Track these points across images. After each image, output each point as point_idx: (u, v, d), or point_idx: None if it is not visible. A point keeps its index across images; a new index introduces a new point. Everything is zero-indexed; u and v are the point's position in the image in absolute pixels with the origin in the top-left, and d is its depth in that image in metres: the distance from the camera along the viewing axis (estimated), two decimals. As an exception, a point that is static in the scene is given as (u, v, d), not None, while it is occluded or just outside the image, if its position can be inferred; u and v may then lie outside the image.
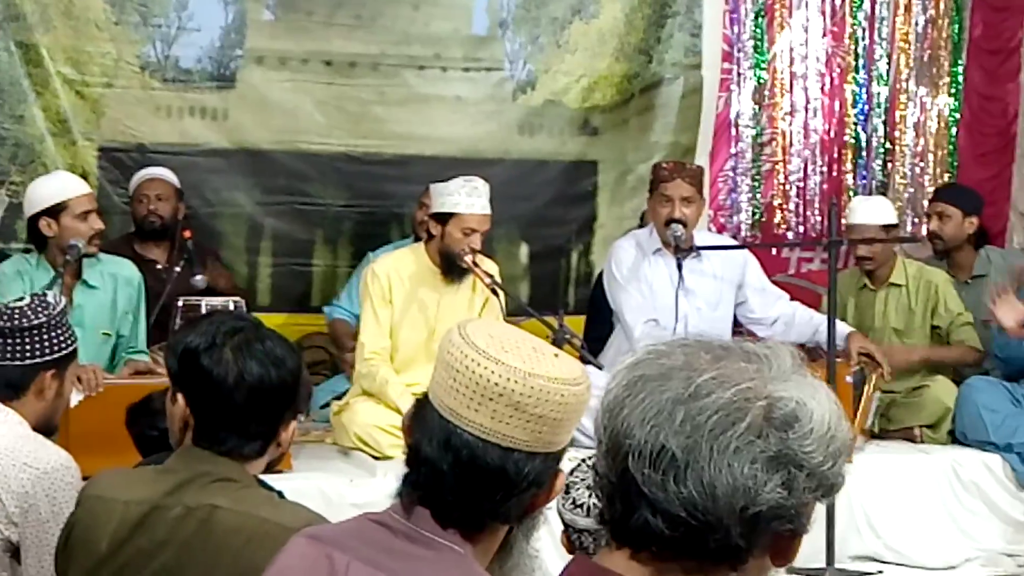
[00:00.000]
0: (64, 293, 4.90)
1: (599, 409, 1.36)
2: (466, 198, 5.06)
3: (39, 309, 3.03)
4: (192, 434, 2.38)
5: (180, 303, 5.19)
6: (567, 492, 2.67)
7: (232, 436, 2.33)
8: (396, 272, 5.17)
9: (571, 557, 2.67)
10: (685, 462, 1.27)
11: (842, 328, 5.29)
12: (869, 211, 5.77)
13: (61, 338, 3.04)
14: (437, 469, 1.78)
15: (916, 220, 7.05)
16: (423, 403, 1.84)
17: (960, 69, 7.09)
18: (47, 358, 3.02)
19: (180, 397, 2.39)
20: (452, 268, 5.11)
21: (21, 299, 3.09)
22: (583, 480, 2.67)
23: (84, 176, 5.61)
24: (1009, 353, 5.57)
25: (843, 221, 5.79)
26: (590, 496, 2.64)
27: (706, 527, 1.28)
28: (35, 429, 3.06)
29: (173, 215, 5.84)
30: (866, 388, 5.35)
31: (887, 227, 5.74)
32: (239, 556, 2.22)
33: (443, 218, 5.08)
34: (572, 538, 2.71)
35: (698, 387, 1.29)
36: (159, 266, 5.69)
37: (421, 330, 5.15)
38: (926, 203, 6.95)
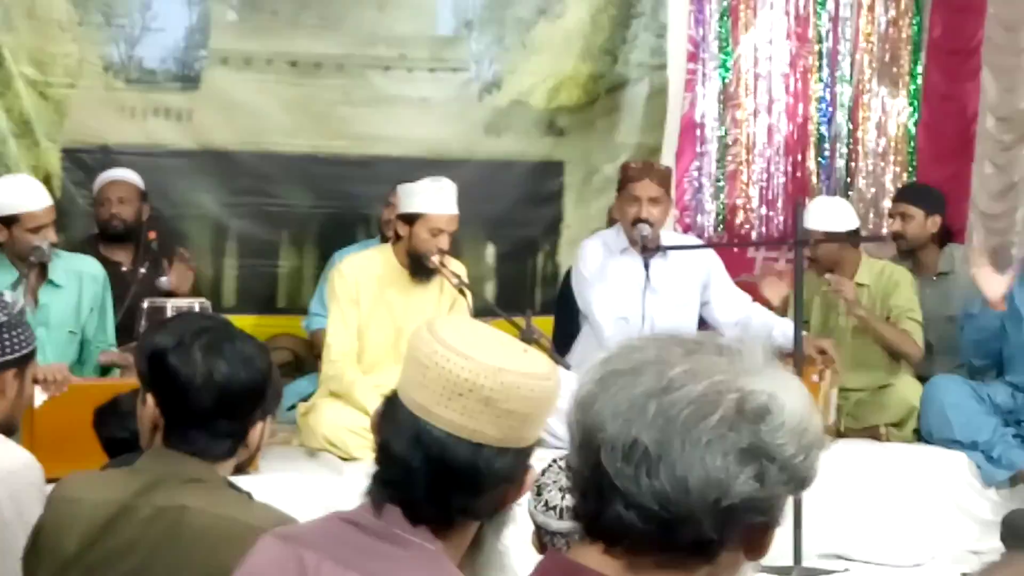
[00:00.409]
0: (29, 293, 4.88)
1: (571, 403, 1.36)
2: (434, 198, 5.05)
3: None
4: (161, 435, 2.37)
5: (145, 305, 5.17)
6: (539, 494, 2.67)
7: (201, 436, 2.32)
8: (363, 272, 5.16)
9: (537, 558, 2.68)
10: (658, 455, 1.27)
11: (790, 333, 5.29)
12: (820, 217, 5.76)
13: (21, 337, 3.01)
14: (408, 466, 1.78)
15: (878, 220, 7.08)
16: (392, 401, 1.84)
17: (920, 69, 7.14)
18: (8, 358, 2.99)
19: (150, 398, 2.37)
20: (420, 269, 5.10)
21: None
22: (555, 482, 2.67)
23: (47, 178, 5.59)
24: (982, 336, 5.60)
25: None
26: (563, 498, 2.63)
27: (679, 520, 1.28)
28: (-6, 428, 3.03)
29: (136, 217, 5.80)
30: (822, 384, 5.38)
31: (840, 233, 5.73)
32: (209, 557, 2.21)
33: (410, 219, 5.07)
34: (544, 539, 2.71)
35: (670, 380, 1.29)
36: (124, 268, 5.65)
37: (388, 331, 5.14)
38: (887, 202, 7.01)
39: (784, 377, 1.33)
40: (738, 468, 1.27)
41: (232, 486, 2.39)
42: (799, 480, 1.31)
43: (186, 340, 2.30)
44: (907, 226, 6.06)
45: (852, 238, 5.84)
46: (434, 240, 5.04)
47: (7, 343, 2.98)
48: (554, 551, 2.63)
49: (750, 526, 1.31)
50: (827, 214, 5.80)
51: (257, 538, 1.92)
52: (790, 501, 1.36)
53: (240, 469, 2.44)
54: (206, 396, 2.29)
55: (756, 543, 1.33)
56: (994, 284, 5.37)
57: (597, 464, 1.30)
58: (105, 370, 5.15)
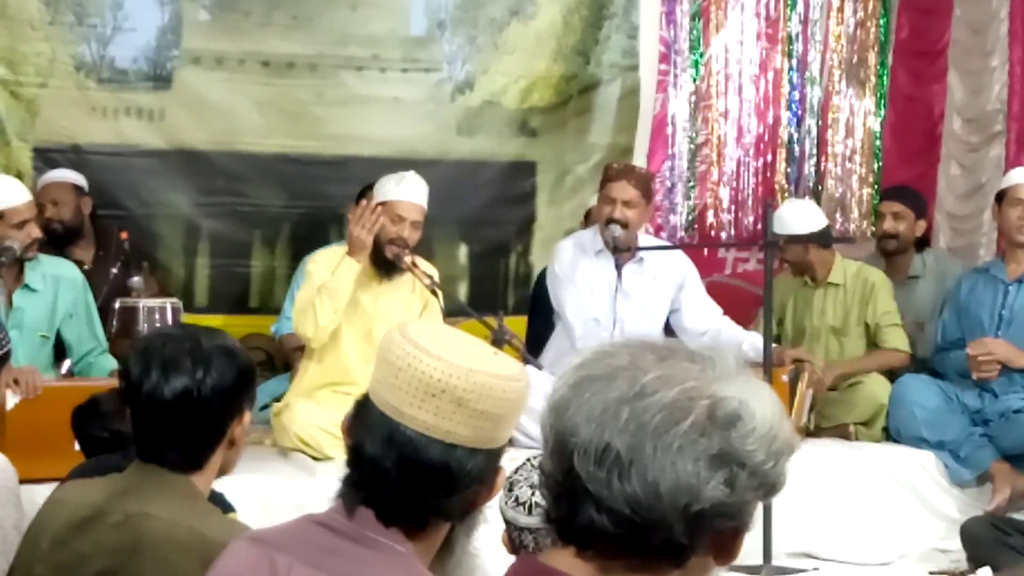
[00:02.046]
0: (4, 295, 4.86)
1: (545, 408, 1.37)
2: (395, 187, 5.08)
3: None
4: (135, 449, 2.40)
5: (117, 304, 5.17)
6: (510, 490, 2.69)
7: (170, 450, 2.34)
8: (335, 264, 5.15)
9: (514, 557, 2.71)
10: (629, 460, 1.29)
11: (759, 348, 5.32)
12: (787, 221, 5.78)
13: None
14: (380, 467, 1.79)
15: (845, 220, 7.13)
16: (364, 403, 1.85)
17: (886, 71, 7.19)
18: None
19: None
20: (382, 261, 5.09)
21: None
22: (526, 479, 2.69)
23: (19, 177, 5.54)
24: (946, 368, 5.68)
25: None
26: (532, 494, 2.65)
27: (650, 525, 1.30)
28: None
29: (76, 215, 5.75)
30: (799, 385, 5.42)
31: (805, 235, 5.75)
32: (164, 564, 2.24)
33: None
34: (513, 536, 2.73)
35: (643, 386, 1.31)
36: (86, 266, 5.60)
37: (357, 329, 5.14)
38: (855, 204, 7.05)
39: (755, 384, 1.35)
40: (709, 474, 1.29)
41: (219, 500, 2.40)
42: (768, 486, 1.34)
43: (147, 358, 2.32)
44: (899, 226, 6.08)
45: (820, 239, 5.85)
46: (395, 227, 5.03)
47: None
48: (526, 555, 2.66)
49: (720, 531, 1.33)
50: (793, 217, 5.81)
51: (211, 550, 1.95)
52: (760, 505, 1.38)
53: (225, 470, 2.45)
54: (168, 414, 2.31)
55: (726, 548, 1.35)
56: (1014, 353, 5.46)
57: (570, 468, 1.32)
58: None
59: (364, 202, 5.09)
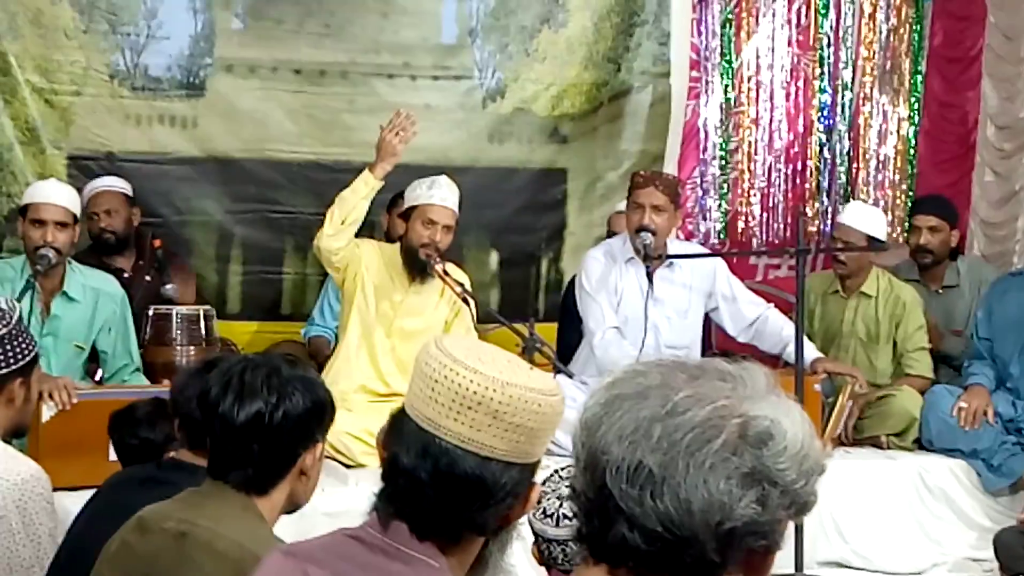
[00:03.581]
0: (42, 300, 4.89)
1: (577, 426, 1.38)
2: (425, 191, 5.13)
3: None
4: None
5: (151, 312, 5.20)
6: (538, 502, 2.69)
7: (237, 470, 2.39)
8: (371, 254, 5.21)
9: (544, 569, 2.71)
10: (662, 478, 1.29)
11: (809, 353, 5.30)
12: (860, 217, 5.79)
13: (24, 345, 3.04)
14: (415, 479, 1.80)
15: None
16: (399, 417, 1.86)
17: (920, 77, 7.15)
18: (14, 367, 3.02)
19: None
20: (415, 264, 5.13)
21: None
22: (554, 491, 2.69)
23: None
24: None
25: (837, 219, 5.85)
26: (560, 506, 2.66)
27: (682, 542, 1.30)
28: (4, 436, 3.06)
29: (127, 225, 5.79)
30: (840, 397, 5.40)
31: (871, 239, 5.75)
32: (200, 572, 2.27)
33: (407, 215, 5.16)
34: (542, 548, 2.73)
35: (675, 405, 1.31)
36: (126, 275, 5.65)
37: (384, 327, 5.19)
38: (888, 211, 7.02)
39: (786, 404, 1.35)
40: (740, 492, 1.30)
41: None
42: (800, 505, 1.34)
43: (227, 380, 2.38)
44: (934, 238, 6.02)
45: (878, 247, 5.83)
46: (427, 231, 5.07)
47: (10, 353, 3.00)
48: (557, 573, 2.67)
49: (751, 549, 1.33)
50: (868, 219, 5.81)
51: (251, 565, 1.97)
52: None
53: (294, 502, 2.48)
54: (239, 436, 2.36)
55: (757, 566, 1.35)
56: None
57: (602, 486, 1.33)
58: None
59: (402, 118, 5.13)
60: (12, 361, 3.01)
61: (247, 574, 1.97)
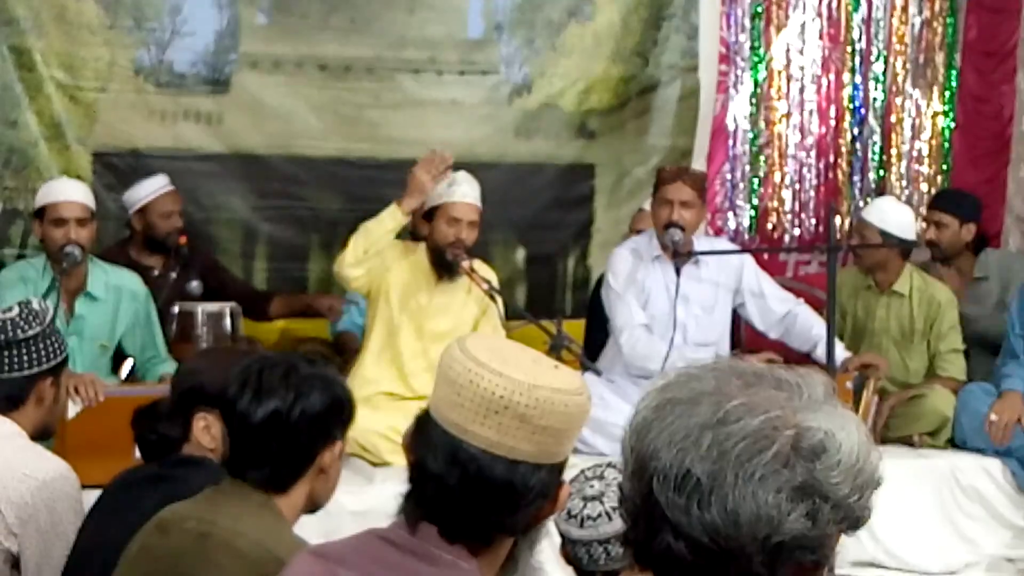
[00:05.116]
0: (65, 300, 4.88)
1: (626, 430, 1.36)
2: (447, 189, 5.10)
3: (31, 319, 3.05)
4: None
5: (175, 309, 5.19)
6: (561, 502, 2.67)
7: (255, 468, 2.38)
8: (395, 255, 5.17)
9: (572, 569, 2.69)
10: (710, 488, 1.27)
11: (839, 354, 5.24)
12: (878, 213, 5.73)
13: (55, 346, 3.08)
14: (444, 484, 1.79)
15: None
16: (425, 420, 1.85)
17: (955, 72, 7.09)
18: (45, 367, 3.06)
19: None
20: (443, 264, 5.10)
21: (9, 309, 3.09)
22: (579, 491, 2.69)
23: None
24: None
25: (860, 215, 5.81)
26: (584, 507, 2.66)
27: (728, 554, 1.27)
28: (33, 436, 3.08)
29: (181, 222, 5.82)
30: (864, 393, 5.35)
31: (885, 235, 5.69)
32: (220, 571, 2.27)
33: (430, 214, 5.11)
34: (568, 549, 2.73)
35: (727, 413, 1.29)
36: (155, 273, 5.65)
37: (411, 327, 5.16)
38: (922, 207, 6.96)
39: (842, 414, 1.32)
40: (790, 505, 1.27)
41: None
42: (853, 520, 1.32)
43: (245, 378, 2.37)
44: (941, 235, 5.99)
45: (907, 247, 5.74)
46: (452, 230, 5.04)
47: (43, 353, 3.02)
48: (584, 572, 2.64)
49: (800, 564, 1.30)
50: (894, 216, 5.72)
51: (272, 566, 1.99)
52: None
53: (314, 501, 2.46)
54: (258, 433, 2.36)
55: None
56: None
57: (649, 492, 1.30)
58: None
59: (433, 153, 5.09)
60: (44, 360, 3.04)
61: (266, 572, 1.96)
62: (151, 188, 5.77)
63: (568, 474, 1.93)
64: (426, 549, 1.80)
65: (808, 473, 1.27)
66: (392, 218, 5.04)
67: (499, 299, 5.12)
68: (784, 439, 1.27)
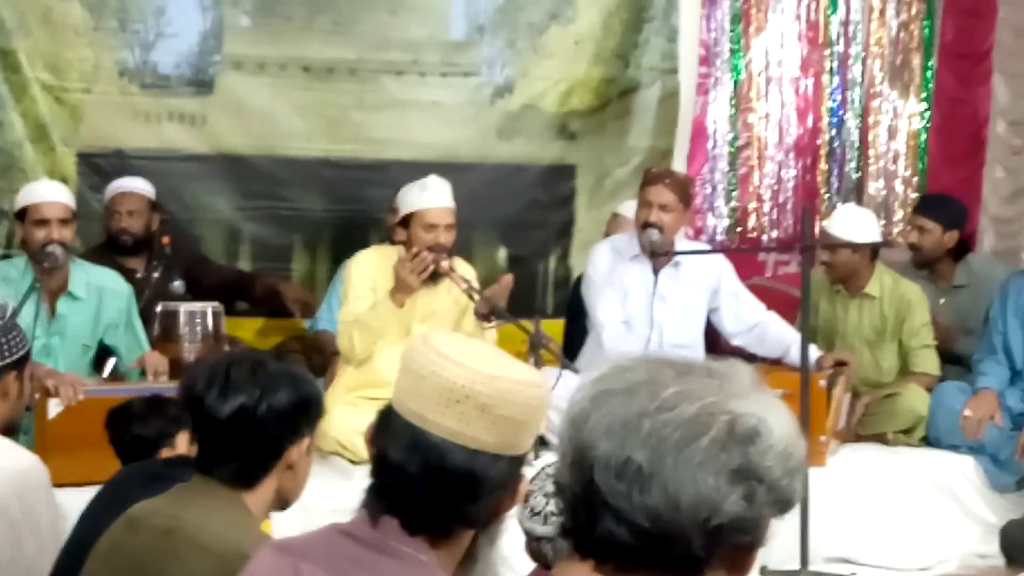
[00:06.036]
0: (47, 300, 4.91)
1: (563, 421, 1.39)
2: (419, 194, 5.08)
3: None
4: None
5: (159, 309, 5.21)
6: (525, 500, 2.70)
7: (223, 464, 2.40)
8: (380, 265, 5.17)
9: (533, 566, 2.72)
10: (650, 473, 1.30)
11: (812, 353, 5.26)
12: (846, 225, 5.76)
13: (17, 339, 3.06)
14: (405, 474, 1.81)
15: (888, 224, 7.07)
16: (387, 413, 1.88)
17: (931, 73, 7.13)
18: (7, 360, 3.03)
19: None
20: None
21: None
22: (541, 488, 2.71)
23: (64, 183, 5.60)
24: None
25: (822, 224, 5.81)
26: (547, 504, 2.69)
27: (669, 538, 1.31)
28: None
29: (146, 229, 5.80)
30: (835, 390, 5.40)
31: (860, 244, 5.71)
32: (184, 566, 2.28)
33: (405, 221, 5.11)
34: (532, 546, 2.75)
35: (663, 400, 1.32)
36: (138, 275, 5.66)
37: (396, 331, 5.17)
38: (898, 207, 7.01)
39: (772, 402, 1.36)
40: (729, 488, 1.31)
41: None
42: (783, 502, 1.35)
43: (212, 374, 2.38)
44: (923, 240, 6.01)
45: (872, 250, 5.78)
46: (429, 236, 5.04)
47: (5, 347, 3.02)
48: (539, 571, 2.68)
49: (736, 546, 1.34)
50: (852, 223, 5.76)
51: (237, 561, 1.99)
52: (797, 507, 1.39)
53: (283, 498, 2.48)
54: (225, 429, 2.37)
55: (740, 563, 1.36)
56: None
57: (590, 481, 1.33)
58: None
59: (415, 249, 5.07)
60: (7, 354, 3.02)
61: (230, 567, 1.98)
62: (112, 188, 5.83)
63: (528, 473, 1.95)
64: (385, 542, 1.82)
65: (744, 457, 1.31)
66: (388, 311, 5.04)
67: (477, 297, 5.15)
68: (720, 425, 1.31)
